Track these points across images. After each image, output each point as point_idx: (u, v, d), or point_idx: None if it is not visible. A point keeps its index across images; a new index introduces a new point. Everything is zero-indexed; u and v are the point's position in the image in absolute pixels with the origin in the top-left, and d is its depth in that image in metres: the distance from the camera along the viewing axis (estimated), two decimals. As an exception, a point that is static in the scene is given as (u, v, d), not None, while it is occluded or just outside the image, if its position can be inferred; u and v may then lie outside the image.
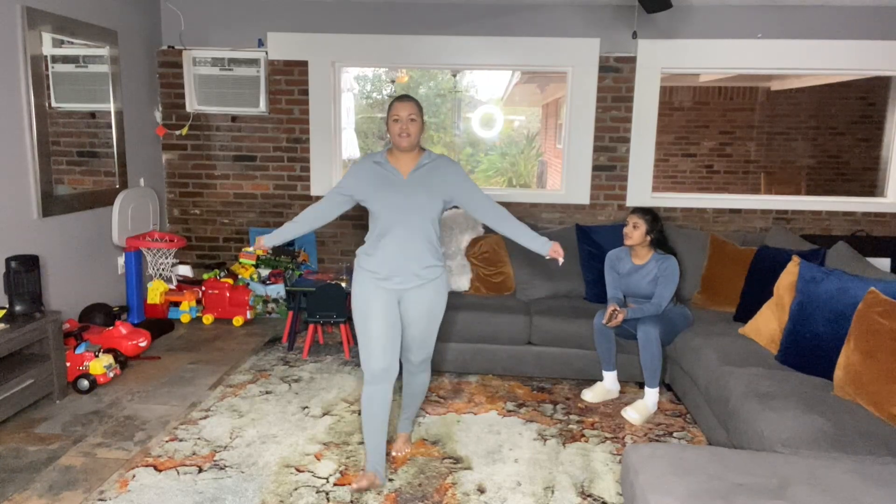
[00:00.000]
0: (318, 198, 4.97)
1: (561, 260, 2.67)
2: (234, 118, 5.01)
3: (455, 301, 3.95)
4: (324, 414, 3.33)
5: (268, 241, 2.73)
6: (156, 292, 4.63)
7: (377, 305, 2.57)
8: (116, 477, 2.68)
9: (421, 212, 2.56)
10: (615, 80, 4.75)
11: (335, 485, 2.68)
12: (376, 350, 2.55)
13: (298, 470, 2.79)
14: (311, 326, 4.19)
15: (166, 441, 2.99)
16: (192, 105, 4.94)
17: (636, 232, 3.54)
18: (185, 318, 4.68)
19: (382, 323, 2.56)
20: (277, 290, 4.85)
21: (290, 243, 5.00)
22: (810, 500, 1.82)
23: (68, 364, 3.44)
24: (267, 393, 3.57)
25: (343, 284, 4.15)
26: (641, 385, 3.62)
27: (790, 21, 4.58)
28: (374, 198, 2.57)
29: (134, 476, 2.70)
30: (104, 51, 4.28)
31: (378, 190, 2.57)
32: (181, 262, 5.05)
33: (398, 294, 2.62)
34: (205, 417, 3.25)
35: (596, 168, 4.87)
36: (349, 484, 2.68)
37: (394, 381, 2.62)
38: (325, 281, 4.27)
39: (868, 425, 2.34)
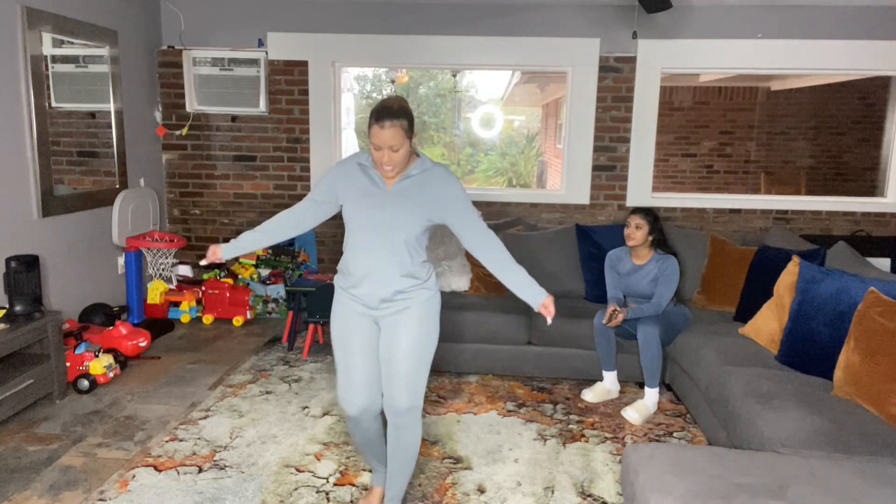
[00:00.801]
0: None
1: (549, 320, 2.34)
2: (234, 118, 5.01)
3: (455, 301, 3.95)
4: (324, 414, 3.33)
5: (225, 253, 2.36)
6: (156, 292, 4.63)
7: (358, 339, 2.29)
8: (116, 477, 2.68)
9: (397, 231, 2.20)
10: (615, 80, 4.75)
11: (335, 485, 2.68)
12: (357, 385, 2.29)
13: (298, 470, 2.79)
14: (311, 326, 4.19)
15: (166, 441, 2.99)
16: (192, 105, 4.95)
17: (639, 233, 3.54)
18: (185, 318, 4.68)
19: (365, 360, 2.29)
20: (277, 290, 4.85)
21: (290, 243, 5.00)
22: (810, 500, 1.82)
23: (68, 364, 3.44)
24: (267, 393, 3.57)
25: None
26: (641, 385, 3.62)
27: (790, 21, 4.58)
28: (350, 208, 2.26)
29: (134, 476, 2.70)
30: (104, 51, 4.28)
31: (355, 200, 2.25)
32: (181, 262, 5.05)
33: (377, 320, 2.30)
34: (205, 417, 3.25)
35: (596, 168, 4.87)
36: (349, 484, 2.68)
37: (379, 411, 2.36)
38: (325, 281, 4.27)
39: (868, 425, 2.34)
